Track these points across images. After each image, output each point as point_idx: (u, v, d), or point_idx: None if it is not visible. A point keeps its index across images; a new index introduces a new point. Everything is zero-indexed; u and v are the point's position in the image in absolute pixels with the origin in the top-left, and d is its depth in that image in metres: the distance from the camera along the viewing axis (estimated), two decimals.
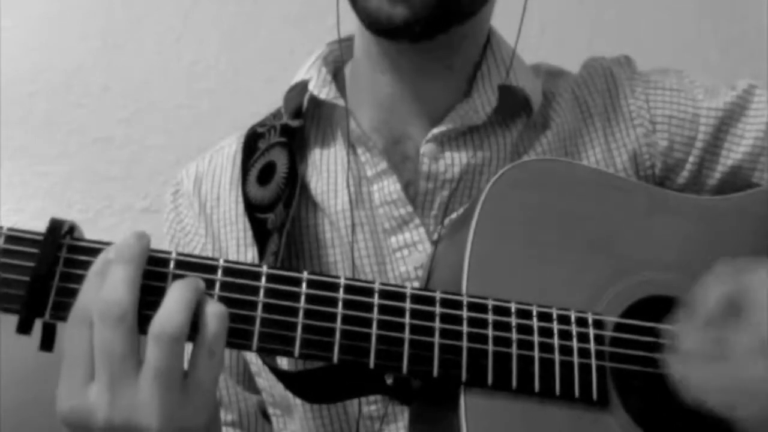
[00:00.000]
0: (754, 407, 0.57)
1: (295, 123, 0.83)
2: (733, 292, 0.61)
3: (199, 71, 1.48)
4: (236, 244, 0.83)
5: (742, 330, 0.59)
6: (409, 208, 0.79)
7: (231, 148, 0.88)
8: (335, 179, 0.82)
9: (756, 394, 0.57)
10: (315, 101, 0.84)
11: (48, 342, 0.57)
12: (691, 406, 0.60)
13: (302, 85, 0.84)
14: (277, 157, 0.82)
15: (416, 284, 0.77)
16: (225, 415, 0.85)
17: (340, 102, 0.81)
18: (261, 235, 0.79)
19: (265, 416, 0.86)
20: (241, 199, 0.83)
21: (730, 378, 0.58)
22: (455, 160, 0.81)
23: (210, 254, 0.84)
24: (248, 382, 0.85)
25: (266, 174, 0.81)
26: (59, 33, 1.45)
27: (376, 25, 0.72)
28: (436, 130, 0.80)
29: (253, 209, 0.80)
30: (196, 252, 0.84)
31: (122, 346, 0.55)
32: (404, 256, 0.79)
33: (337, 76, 0.86)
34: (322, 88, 0.82)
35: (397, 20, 0.70)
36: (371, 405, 0.77)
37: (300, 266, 0.80)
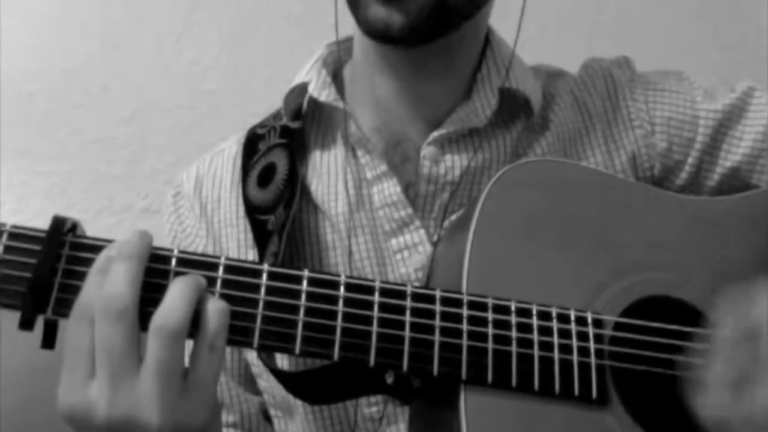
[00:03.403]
0: None
1: (295, 124, 0.83)
2: (750, 319, 0.60)
3: (199, 71, 1.48)
4: (236, 245, 0.83)
5: (761, 359, 0.58)
6: (410, 210, 0.79)
7: (231, 149, 0.88)
8: (335, 182, 0.82)
9: None
10: (315, 103, 0.84)
11: (50, 339, 0.58)
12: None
13: (302, 87, 0.84)
14: (277, 158, 0.82)
15: (415, 284, 0.78)
16: (226, 417, 0.85)
17: (340, 104, 0.81)
18: (261, 236, 0.79)
19: (267, 418, 0.86)
20: (241, 200, 0.83)
21: (752, 409, 0.57)
22: (455, 163, 0.81)
23: None
24: (249, 383, 0.85)
25: (266, 175, 0.81)
26: (59, 33, 1.45)
27: (374, 33, 0.73)
28: (436, 133, 0.80)
29: (253, 211, 0.81)
30: None
31: (123, 342, 0.55)
32: (404, 258, 0.79)
33: (336, 77, 0.86)
34: (321, 91, 0.82)
35: (394, 28, 0.71)
36: (372, 407, 0.77)
37: (300, 268, 0.80)
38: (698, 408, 0.60)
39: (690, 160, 0.85)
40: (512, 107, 0.84)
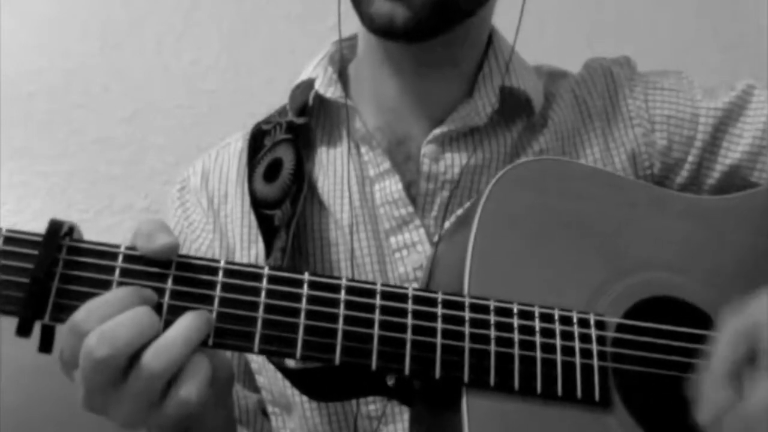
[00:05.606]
0: None
1: (300, 120, 0.83)
2: (750, 336, 0.58)
3: (199, 71, 1.48)
4: (241, 240, 0.83)
5: (760, 375, 0.57)
6: (410, 209, 0.79)
7: (237, 144, 0.88)
8: (341, 179, 0.82)
9: None
10: (320, 100, 0.84)
11: (47, 344, 0.57)
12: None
13: (308, 83, 0.84)
14: (283, 153, 0.82)
15: (416, 285, 0.77)
16: None
17: (346, 101, 0.81)
18: (268, 231, 0.79)
19: (265, 414, 0.86)
20: (247, 195, 0.83)
21: (749, 407, 0.57)
22: (455, 161, 0.81)
23: (217, 250, 0.84)
24: (248, 381, 0.85)
25: (273, 171, 0.81)
26: (59, 33, 1.45)
27: (378, 28, 0.73)
28: (437, 131, 0.80)
29: (259, 205, 0.81)
30: (203, 248, 0.85)
31: (102, 382, 0.55)
32: (403, 257, 0.79)
33: (342, 75, 0.86)
34: (327, 87, 0.82)
35: (398, 23, 0.72)
36: (371, 405, 0.77)
37: (303, 263, 0.80)
38: (697, 409, 0.60)
39: (690, 158, 0.85)
40: (514, 106, 0.84)
